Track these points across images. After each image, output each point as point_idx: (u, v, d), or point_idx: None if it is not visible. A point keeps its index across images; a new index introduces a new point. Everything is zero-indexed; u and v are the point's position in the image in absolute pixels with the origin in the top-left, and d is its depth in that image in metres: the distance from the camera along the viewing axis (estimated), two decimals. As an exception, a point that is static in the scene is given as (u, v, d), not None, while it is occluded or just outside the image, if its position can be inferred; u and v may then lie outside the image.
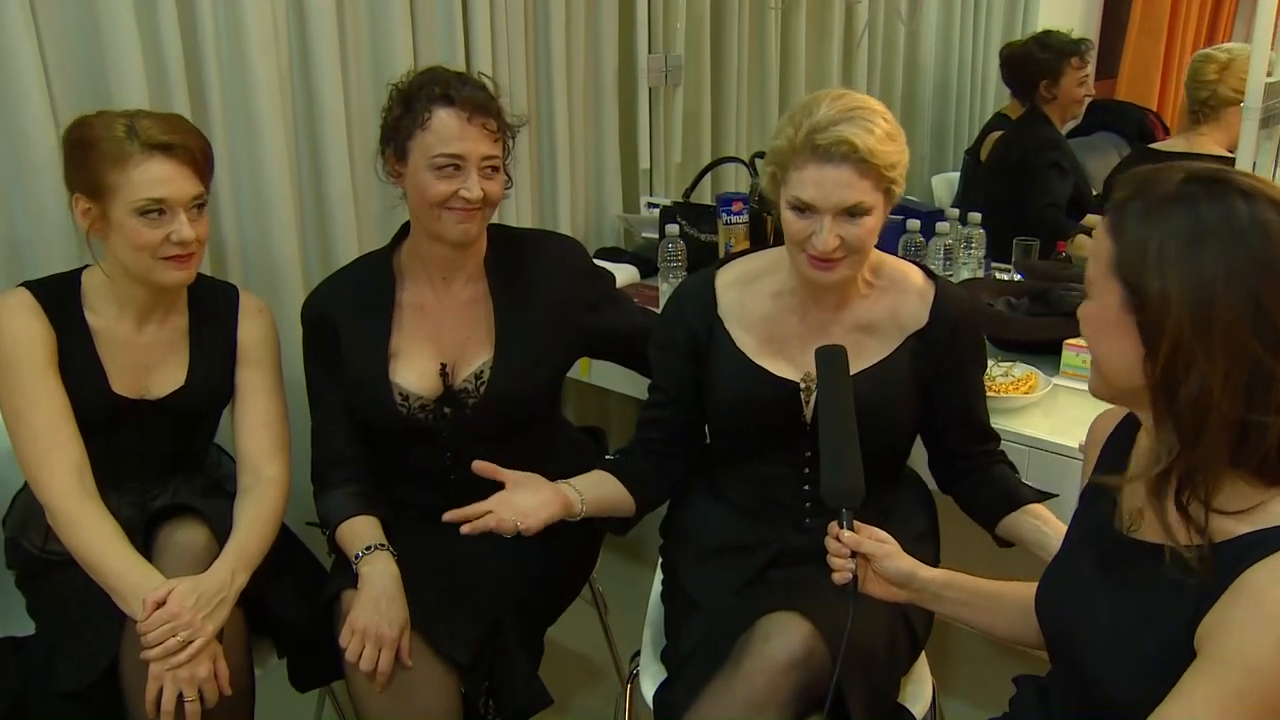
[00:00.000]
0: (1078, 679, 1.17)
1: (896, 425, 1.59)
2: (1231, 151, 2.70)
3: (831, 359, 1.36)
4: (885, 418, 1.54)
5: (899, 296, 1.59)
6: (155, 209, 1.53)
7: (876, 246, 1.53)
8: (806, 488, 1.60)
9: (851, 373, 1.47)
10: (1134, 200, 1.03)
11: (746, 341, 1.60)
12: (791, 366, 1.57)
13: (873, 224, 1.45)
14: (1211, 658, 0.99)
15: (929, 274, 1.61)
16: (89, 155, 1.51)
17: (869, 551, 1.32)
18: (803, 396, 1.56)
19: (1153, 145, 2.92)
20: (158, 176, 1.52)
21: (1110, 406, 1.22)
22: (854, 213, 1.43)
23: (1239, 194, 0.98)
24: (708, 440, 1.75)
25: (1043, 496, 1.59)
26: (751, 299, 1.61)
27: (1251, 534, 1.01)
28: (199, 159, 1.58)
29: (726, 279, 1.64)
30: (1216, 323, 0.96)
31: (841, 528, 1.31)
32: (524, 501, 1.51)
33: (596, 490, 1.61)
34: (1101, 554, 1.15)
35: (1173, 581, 1.04)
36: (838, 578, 1.30)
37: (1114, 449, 1.21)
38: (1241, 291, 0.96)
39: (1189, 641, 1.02)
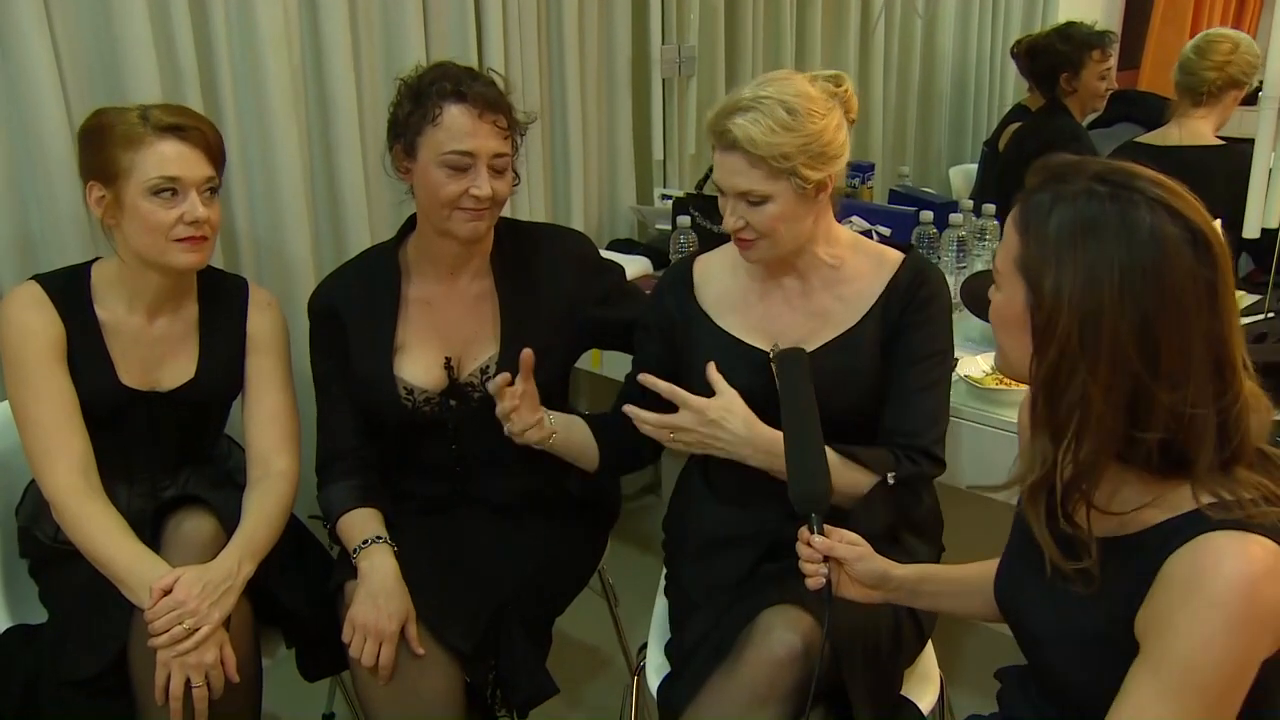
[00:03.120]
0: (1036, 668, 1.19)
1: (866, 395, 1.57)
2: (1218, 133, 2.70)
3: (789, 361, 1.35)
4: (852, 387, 1.54)
5: (871, 268, 1.60)
6: (168, 188, 1.55)
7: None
8: None
9: (820, 342, 1.53)
10: (1041, 194, 1.02)
11: (722, 317, 1.64)
12: (763, 337, 1.61)
13: (775, 211, 1.49)
14: (1151, 655, 0.99)
15: (906, 251, 1.62)
16: (103, 139, 1.54)
17: (841, 555, 1.31)
18: (772, 366, 1.57)
19: (1141, 139, 2.87)
20: (169, 155, 1.55)
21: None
22: (750, 200, 1.48)
23: (1145, 202, 0.97)
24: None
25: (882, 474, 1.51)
26: (728, 279, 1.66)
27: (1170, 520, 1.01)
28: (211, 143, 1.60)
29: (705, 263, 1.70)
30: (1104, 335, 0.96)
31: (812, 533, 1.30)
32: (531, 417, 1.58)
33: (568, 432, 1.65)
34: (1035, 545, 1.14)
35: (1105, 571, 1.04)
36: (811, 583, 1.30)
37: None
38: (1130, 306, 0.95)
39: (1128, 628, 1.02)
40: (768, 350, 1.58)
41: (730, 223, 1.52)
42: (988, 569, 1.31)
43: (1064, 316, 0.97)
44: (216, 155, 1.62)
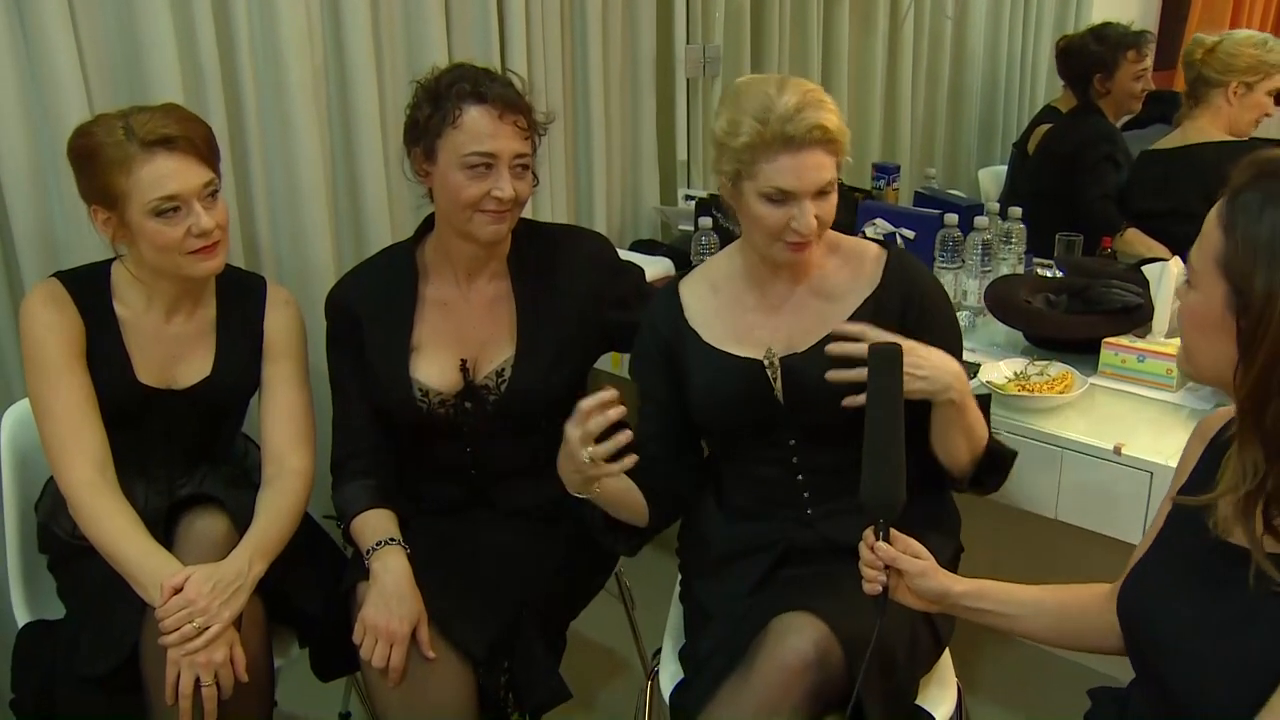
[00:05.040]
0: (1158, 685, 1.12)
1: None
2: (1231, 135, 2.70)
3: (884, 359, 1.30)
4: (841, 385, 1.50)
5: (855, 265, 1.60)
6: (169, 207, 1.54)
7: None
8: (800, 477, 1.59)
9: (813, 341, 1.52)
10: (1250, 192, 0.98)
11: (712, 334, 1.61)
12: (755, 347, 1.58)
13: (835, 196, 1.52)
14: None
15: (886, 246, 1.62)
16: (94, 164, 1.53)
17: (904, 569, 1.28)
18: (769, 374, 1.56)
19: (1152, 148, 2.86)
20: (163, 173, 1.53)
21: (1221, 408, 1.19)
22: (825, 190, 1.48)
23: None
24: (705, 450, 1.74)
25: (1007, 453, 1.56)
26: (713, 295, 1.64)
27: None
28: (201, 146, 1.57)
29: (690, 284, 1.67)
30: None
31: (877, 539, 1.28)
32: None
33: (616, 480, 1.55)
34: (1189, 556, 1.10)
35: (1271, 591, 0.99)
36: (868, 589, 1.28)
37: (1216, 451, 1.16)
38: None
39: None
40: (760, 359, 1.57)
41: (811, 224, 1.46)
42: (1064, 596, 1.28)
43: (1275, 320, 0.93)
44: (209, 155, 1.59)
